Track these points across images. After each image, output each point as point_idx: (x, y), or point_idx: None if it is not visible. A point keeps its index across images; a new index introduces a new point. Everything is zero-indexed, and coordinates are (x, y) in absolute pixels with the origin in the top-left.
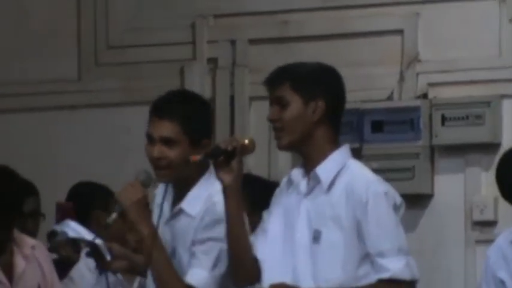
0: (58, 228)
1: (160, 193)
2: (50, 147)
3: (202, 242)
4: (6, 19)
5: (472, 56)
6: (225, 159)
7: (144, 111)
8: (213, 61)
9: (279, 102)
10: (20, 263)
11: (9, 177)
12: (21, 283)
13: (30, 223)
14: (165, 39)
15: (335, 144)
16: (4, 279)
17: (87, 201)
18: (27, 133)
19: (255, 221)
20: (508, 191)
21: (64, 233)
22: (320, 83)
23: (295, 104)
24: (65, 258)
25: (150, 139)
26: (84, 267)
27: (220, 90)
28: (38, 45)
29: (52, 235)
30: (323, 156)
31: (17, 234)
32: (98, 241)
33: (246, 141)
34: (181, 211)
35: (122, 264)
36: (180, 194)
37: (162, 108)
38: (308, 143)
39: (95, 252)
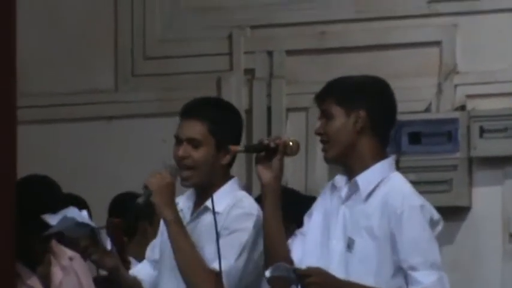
0: (59, 215)
1: (181, 200)
2: (87, 157)
3: (229, 233)
4: (42, 28)
5: (510, 68)
6: (266, 155)
7: None
8: (250, 72)
9: (324, 116)
10: (57, 274)
11: (48, 187)
12: None
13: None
14: (202, 50)
15: (379, 156)
16: None
17: (133, 213)
18: (64, 144)
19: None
20: None
21: (71, 219)
22: (362, 94)
23: (338, 117)
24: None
25: (178, 140)
26: None
27: (257, 101)
28: (75, 56)
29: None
30: (365, 166)
31: (55, 244)
32: (97, 228)
33: (291, 142)
34: (206, 209)
35: (112, 262)
36: (203, 198)
37: (190, 109)
38: (352, 154)
39: (91, 239)
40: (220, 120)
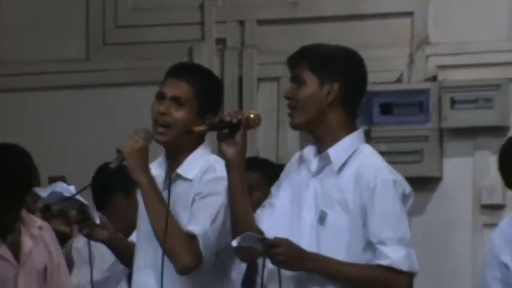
0: (48, 189)
1: (153, 167)
2: (58, 126)
3: (203, 197)
4: None
5: (482, 39)
6: (229, 131)
7: (152, 91)
8: (221, 42)
9: (296, 81)
10: (27, 243)
11: (20, 156)
12: (28, 262)
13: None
14: (173, 20)
15: (349, 128)
16: (11, 258)
17: (107, 182)
18: (35, 112)
19: (260, 200)
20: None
21: (59, 193)
22: (337, 66)
23: (310, 84)
24: (59, 233)
25: (161, 97)
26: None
27: (228, 70)
28: (47, 25)
29: (46, 209)
30: (335, 139)
31: (24, 214)
32: (86, 204)
33: (252, 115)
34: (178, 176)
35: (104, 234)
36: (174, 164)
37: (181, 70)
38: (321, 125)
39: (81, 214)
40: (206, 87)
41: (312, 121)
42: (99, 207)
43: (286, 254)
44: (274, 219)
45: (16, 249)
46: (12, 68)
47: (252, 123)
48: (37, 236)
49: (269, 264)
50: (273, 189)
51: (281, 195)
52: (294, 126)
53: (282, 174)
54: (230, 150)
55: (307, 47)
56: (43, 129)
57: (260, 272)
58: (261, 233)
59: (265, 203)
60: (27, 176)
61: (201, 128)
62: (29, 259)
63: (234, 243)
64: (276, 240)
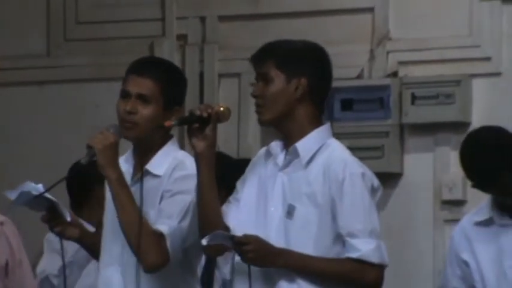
0: (17, 191)
1: (121, 163)
2: (18, 122)
3: (172, 195)
4: None
5: (443, 35)
6: (199, 126)
7: (113, 87)
8: (182, 38)
9: (263, 79)
10: None
11: None
12: None
13: None
14: (134, 16)
15: (317, 123)
16: None
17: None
18: None
19: (221, 197)
20: (474, 175)
21: (28, 193)
22: (304, 61)
23: (278, 81)
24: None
25: (125, 95)
26: None
27: (189, 66)
28: (7, 20)
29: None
30: (303, 133)
31: None
32: (56, 201)
33: (221, 108)
34: (147, 173)
35: (75, 232)
36: (142, 160)
37: (143, 66)
38: (289, 120)
39: (51, 213)
40: (170, 81)
41: (281, 117)
42: (80, 205)
43: (256, 251)
44: (241, 215)
45: None
46: None
47: (221, 117)
48: None
49: (235, 259)
50: (238, 184)
51: (246, 190)
52: (262, 123)
53: (247, 169)
54: (200, 144)
55: (272, 44)
56: (3, 126)
57: (222, 268)
58: (227, 228)
59: (231, 198)
60: None
61: (172, 122)
62: None
63: (204, 241)
64: (245, 237)
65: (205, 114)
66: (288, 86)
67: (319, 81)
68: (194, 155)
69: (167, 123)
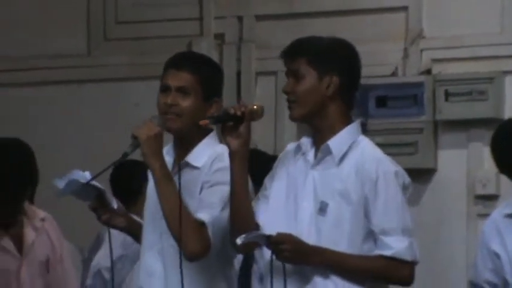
0: (65, 179)
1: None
2: (58, 121)
3: (211, 185)
4: None
5: (476, 33)
6: (233, 124)
7: (152, 86)
8: (220, 37)
9: (294, 75)
10: (30, 235)
11: (23, 150)
12: (31, 254)
13: None
14: (173, 15)
15: (347, 120)
16: (14, 251)
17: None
18: (36, 107)
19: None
20: (504, 165)
21: (76, 181)
22: (336, 59)
23: (309, 78)
24: None
25: (165, 89)
26: None
27: (227, 65)
28: (48, 20)
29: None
30: (334, 130)
31: (27, 206)
32: (104, 189)
33: (255, 107)
34: (186, 164)
35: (122, 220)
36: (182, 152)
37: (181, 60)
38: (320, 117)
39: (99, 201)
40: (207, 72)
41: (312, 113)
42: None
43: (291, 250)
44: (270, 212)
45: (19, 242)
46: (12, 63)
47: (255, 116)
48: (39, 227)
49: (267, 256)
50: (266, 180)
51: (275, 186)
52: (293, 119)
53: (275, 165)
54: (234, 143)
55: (302, 40)
56: (43, 124)
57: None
58: (258, 225)
59: (259, 194)
60: (28, 168)
61: (207, 122)
62: (32, 251)
63: (239, 241)
64: (280, 236)
65: (239, 113)
66: (320, 84)
67: (350, 78)
68: (228, 153)
69: (202, 122)
